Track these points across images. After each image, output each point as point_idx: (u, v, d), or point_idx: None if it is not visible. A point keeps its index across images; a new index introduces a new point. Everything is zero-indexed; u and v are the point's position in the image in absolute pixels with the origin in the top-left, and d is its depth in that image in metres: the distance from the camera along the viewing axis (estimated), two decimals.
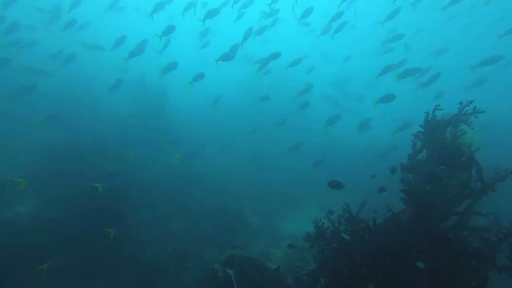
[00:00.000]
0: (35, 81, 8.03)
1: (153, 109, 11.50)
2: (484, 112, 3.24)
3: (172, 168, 10.44)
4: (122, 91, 13.17)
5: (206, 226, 8.69)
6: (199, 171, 11.23)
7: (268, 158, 13.35)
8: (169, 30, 8.51)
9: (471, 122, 3.38)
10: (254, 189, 11.70)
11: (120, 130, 9.89)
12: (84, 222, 6.27)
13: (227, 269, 4.87)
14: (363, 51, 22.67)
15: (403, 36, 10.45)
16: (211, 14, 8.56)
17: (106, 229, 5.77)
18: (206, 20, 8.86)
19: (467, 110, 3.40)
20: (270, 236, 9.58)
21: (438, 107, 3.55)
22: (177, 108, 12.99)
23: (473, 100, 3.32)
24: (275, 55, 9.01)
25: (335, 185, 4.55)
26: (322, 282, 3.86)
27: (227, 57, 8.24)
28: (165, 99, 12.61)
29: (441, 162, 3.20)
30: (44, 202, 6.40)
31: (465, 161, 3.12)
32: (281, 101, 15.43)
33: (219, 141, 12.87)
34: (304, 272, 4.97)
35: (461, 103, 3.40)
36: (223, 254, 6.40)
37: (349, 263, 3.53)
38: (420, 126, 3.65)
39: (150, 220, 8.04)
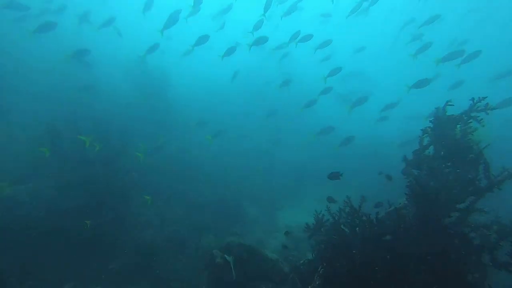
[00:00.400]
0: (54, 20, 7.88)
1: (154, 92, 11.32)
2: (496, 109, 3.21)
3: (172, 154, 10.41)
4: (122, 73, 12.95)
5: (205, 213, 8.75)
6: (198, 159, 11.22)
7: (266, 150, 13.37)
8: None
9: (482, 119, 3.36)
10: (253, 179, 11.75)
11: (121, 111, 9.75)
12: (83, 201, 6.27)
13: (226, 256, 4.92)
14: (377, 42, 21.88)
15: (438, 17, 9.96)
16: None
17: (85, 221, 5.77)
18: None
19: (478, 107, 3.37)
20: (267, 226, 9.71)
21: (449, 103, 3.51)
22: (178, 91, 12.82)
23: (486, 97, 3.28)
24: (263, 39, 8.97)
25: (334, 176, 4.62)
26: (320, 272, 3.92)
27: (230, 52, 8.57)
28: (166, 82, 12.42)
29: (449, 158, 3.20)
30: (43, 180, 6.35)
31: (473, 158, 3.13)
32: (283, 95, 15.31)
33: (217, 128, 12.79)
34: (301, 262, 5.06)
35: (473, 99, 3.37)
36: (221, 241, 6.48)
37: (348, 256, 3.58)
38: (430, 121, 3.64)
39: (147, 202, 8.05)
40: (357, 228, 3.91)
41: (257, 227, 9.33)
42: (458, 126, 3.32)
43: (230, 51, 8.84)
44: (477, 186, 3.06)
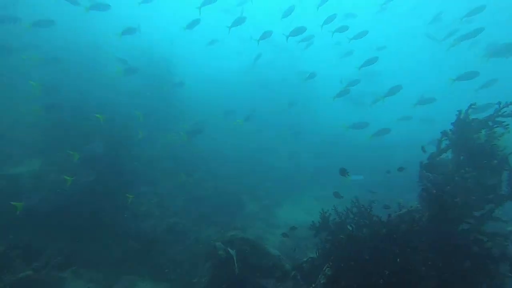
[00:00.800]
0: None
1: (159, 81, 11.18)
2: None
3: (175, 145, 10.32)
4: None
5: (205, 206, 8.70)
6: (199, 152, 11.15)
7: (266, 147, 13.30)
8: None
9: (508, 124, 3.27)
10: (253, 176, 11.70)
11: (126, 100, 9.63)
12: (86, 188, 6.20)
13: (229, 249, 4.87)
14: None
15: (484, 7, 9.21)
16: None
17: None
18: None
19: (504, 112, 3.27)
20: (266, 222, 9.67)
21: (473, 106, 3.42)
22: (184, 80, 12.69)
23: None
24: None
25: (343, 172, 4.64)
26: (326, 271, 3.86)
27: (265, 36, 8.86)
28: (172, 71, 12.28)
29: (470, 163, 3.13)
30: (47, 164, 6.27)
31: (496, 164, 3.06)
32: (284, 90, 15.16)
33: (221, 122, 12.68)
34: (305, 260, 5.00)
35: (499, 103, 3.27)
36: (221, 234, 6.42)
37: (357, 256, 3.52)
38: (451, 124, 3.54)
39: (150, 194, 8.00)
40: (366, 229, 3.85)
41: (256, 223, 9.29)
42: (483, 131, 3.24)
43: (265, 35, 8.96)
44: (498, 193, 2.99)
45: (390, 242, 3.20)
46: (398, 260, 3.33)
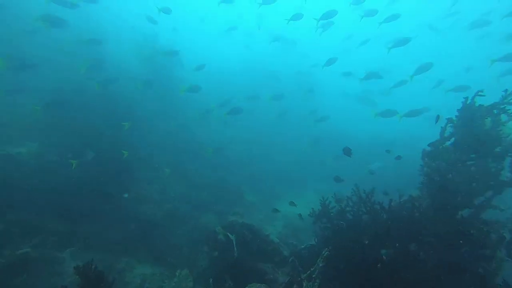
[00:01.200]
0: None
1: (163, 69, 11.11)
2: None
3: (175, 132, 10.31)
4: (129, 46, 12.63)
5: (204, 194, 8.74)
6: (199, 140, 11.15)
7: (266, 140, 13.31)
8: None
9: None
10: (253, 167, 11.73)
11: (129, 86, 9.55)
12: (86, 169, 6.18)
13: (228, 234, 4.91)
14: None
15: None
16: None
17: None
18: None
19: (510, 100, 3.31)
20: (265, 213, 9.74)
21: (480, 93, 3.45)
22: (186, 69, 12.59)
23: None
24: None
25: (347, 152, 4.68)
26: (325, 255, 3.92)
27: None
28: (177, 59, 12.17)
29: (474, 150, 3.17)
30: (47, 145, 6.24)
31: (500, 150, 3.09)
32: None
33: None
34: (303, 246, 5.07)
35: (506, 90, 3.30)
36: (221, 220, 6.47)
37: (357, 241, 3.58)
38: (457, 110, 3.57)
39: (149, 179, 8.01)
40: (366, 215, 3.90)
41: (255, 213, 9.36)
42: (488, 118, 3.27)
43: (328, 14, 8.83)
44: (499, 180, 3.04)
45: (390, 227, 3.25)
46: (397, 245, 3.39)
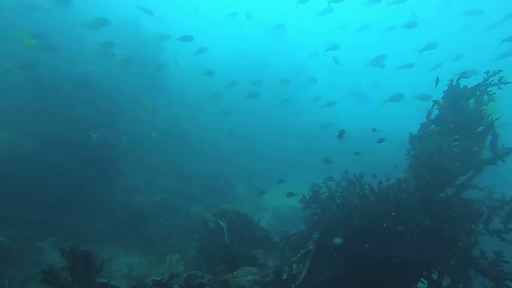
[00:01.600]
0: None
1: (146, 57, 10.72)
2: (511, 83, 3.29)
3: (161, 122, 10.07)
4: (111, 32, 12.10)
5: (193, 184, 8.64)
6: (187, 130, 10.97)
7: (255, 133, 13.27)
8: None
9: (494, 93, 3.47)
10: (242, 159, 11.71)
11: (111, 73, 9.16)
12: (70, 158, 5.92)
13: (219, 221, 4.88)
14: None
15: None
16: None
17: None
18: None
19: (492, 80, 3.47)
20: (254, 204, 9.79)
21: (465, 75, 3.58)
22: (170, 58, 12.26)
23: (501, 70, 3.38)
24: None
25: (341, 135, 4.77)
26: (315, 238, 3.99)
27: None
28: (160, 48, 11.82)
29: (458, 130, 3.30)
30: (23, 134, 5.89)
31: (482, 129, 3.24)
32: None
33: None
34: (293, 232, 5.13)
35: (487, 72, 3.45)
36: (211, 210, 6.42)
37: (346, 222, 3.66)
38: (443, 92, 3.70)
39: (137, 170, 7.81)
40: (356, 198, 4.00)
41: (244, 204, 9.37)
42: (472, 100, 3.43)
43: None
44: (479, 159, 3.20)
45: (378, 208, 3.34)
46: (385, 225, 3.50)
